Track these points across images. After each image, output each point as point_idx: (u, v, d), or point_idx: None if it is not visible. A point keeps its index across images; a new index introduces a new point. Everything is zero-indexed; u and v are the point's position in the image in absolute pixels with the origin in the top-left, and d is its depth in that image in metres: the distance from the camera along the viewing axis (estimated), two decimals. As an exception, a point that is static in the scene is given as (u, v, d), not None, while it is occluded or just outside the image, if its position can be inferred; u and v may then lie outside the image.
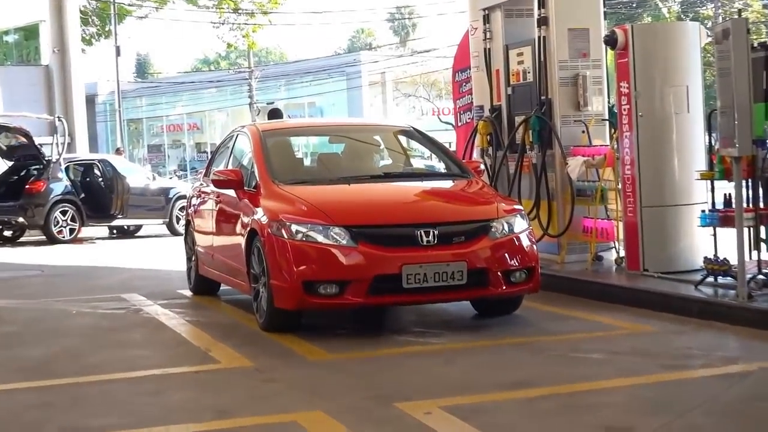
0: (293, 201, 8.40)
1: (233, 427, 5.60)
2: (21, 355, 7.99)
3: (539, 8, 10.91)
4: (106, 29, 42.19)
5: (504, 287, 8.15)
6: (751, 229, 8.53)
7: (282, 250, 8.03)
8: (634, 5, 50.68)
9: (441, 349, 7.71)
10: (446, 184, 9.50)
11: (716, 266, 8.66)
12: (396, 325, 8.96)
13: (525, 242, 8.35)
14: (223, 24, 44.11)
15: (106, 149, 56.58)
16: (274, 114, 16.47)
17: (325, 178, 9.28)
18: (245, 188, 9.13)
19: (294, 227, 8.01)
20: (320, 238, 7.94)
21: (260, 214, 8.48)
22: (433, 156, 10.30)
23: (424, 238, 7.91)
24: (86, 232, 21.22)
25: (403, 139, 10.67)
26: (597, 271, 10.45)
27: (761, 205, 8.55)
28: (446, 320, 8.89)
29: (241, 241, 8.91)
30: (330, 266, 7.90)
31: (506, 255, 8.20)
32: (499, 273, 8.08)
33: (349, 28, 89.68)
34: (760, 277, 8.39)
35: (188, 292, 11.12)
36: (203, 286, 10.78)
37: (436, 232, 7.95)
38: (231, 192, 9.38)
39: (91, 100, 51.61)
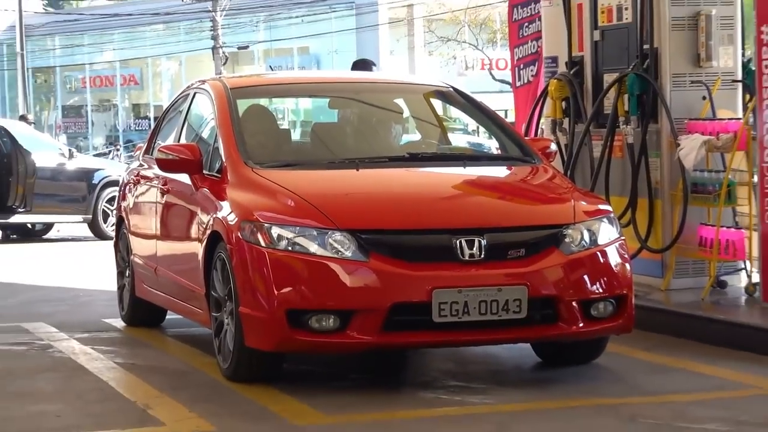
0: (275, 193, 8.43)
1: None
2: None
3: None
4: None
5: (581, 324, 8.15)
6: None
7: (257, 263, 8.04)
8: None
9: (487, 412, 7.59)
10: (500, 172, 9.46)
11: None
12: (422, 376, 8.94)
13: (614, 259, 8.39)
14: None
15: (3, 111, 56.96)
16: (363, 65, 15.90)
17: (322, 159, 9.33)
18: (205, 172, 9.17)
19: (275, 231, 8.04)
20: (314, 248, 7.96)
21: (227, 211, 8.51)
22: (482, 130, 10.21)
23: (467, 251, 7.93)
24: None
25: (438, 104, 10.68)
26: (718, 304, 10.47)
27: None
28: (496, 371, 8.92)
29: (198, 249, 8.97)
30: (328, 289, 7.91)
31: (586, 278, 8.21)
32: (574, 303, 8.09)
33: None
34: None
35: (119, 322, 11.19)
36: (141, 313, 10.86)
37: (483, 242, 7.96)
38: (184, 178, 9.43)
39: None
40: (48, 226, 22.23)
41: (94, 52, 63.57)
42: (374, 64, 15.60)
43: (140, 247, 10.62)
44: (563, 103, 11.96)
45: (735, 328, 9.70)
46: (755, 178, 10.09)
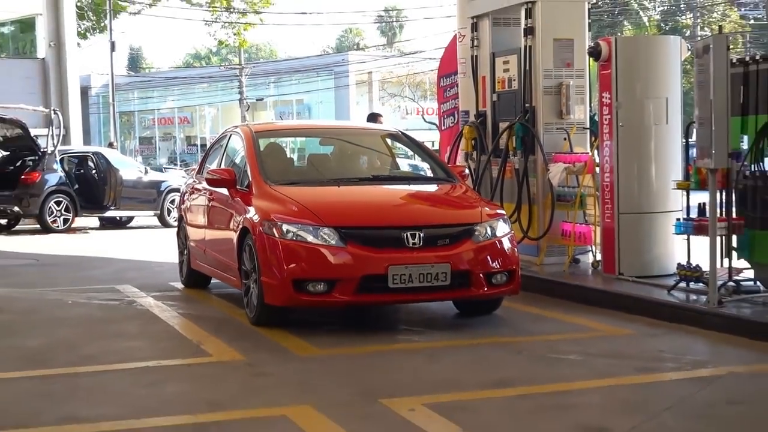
0: (284, 201, 8.38)
1: (226, 420, 5.63)
2: (19, 344, 7.96)
3: (526, 18, 10.95)
4: (101, 24, 42.18)
5: (485, 288, 8.18)
6: (724, 237, 8.56)
7: (273, 248, 8.04)
8: (616, 13, 50.74)
9: (425, 347, 7.71)
10: (432, 187, 9.51)
11: (689, 272, 8.79)
12: (382, 322, 8.98)
13: (506, 245, 8.38)
14: (215, 21, 44.38)
15: (98, 141, 56.43)
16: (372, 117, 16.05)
17: (315, 179, 9.24)
18: (238, 187, 9.11)
19: (285, 227, 8.02)
20: (310, 238, 7.93)
21: (252, 213, 8.47)
22: (419, 159, 10.27)
23: (410, 240, 7.92)
24: (79, 222, 21.19)
25: (391, 141, 10.66)
26: (574, 274, 10.52)
27: (734, 215, 8.60)
28: (430, 318, 8.89)
29: (233, 237, 8.89)
30: (319, 265, 7.89)
31: (488, 258, 8.21)
32: (481, 275, 8.10)
33: (338, 28, 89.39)
34: (731, 284, 8.53)
35: (180, 285, 11.10)
36: (195, 279, 10.77)
37: (421, 235, 7.96)
38: (224, 190, 9.35)
39: (84, 93, 51.34)
40: (130, 219, 22.04)
41: (160, 101, 63.00)
42: (380, 115, 15.75)
43: (194, 235, 10.53)
44: (473, 142, 11.87)
45: (585, 290, 9.77)
46: (598, 192, 10.16)
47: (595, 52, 10.06)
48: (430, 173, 9.96)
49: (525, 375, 6.72)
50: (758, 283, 8.68)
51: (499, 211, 8.78)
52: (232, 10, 44.38)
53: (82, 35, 40.43)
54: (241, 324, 8.61)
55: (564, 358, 7.21)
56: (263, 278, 8.13)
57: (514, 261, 8.44)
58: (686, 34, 44.62)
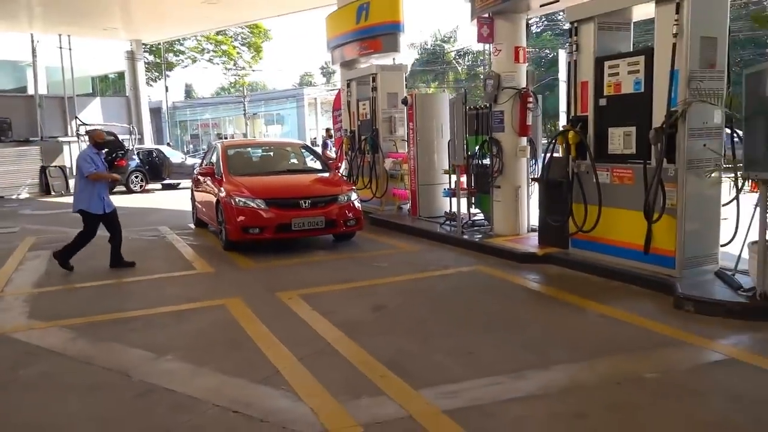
0: (238, 185, 8.24)
1: (192, 308, 5.62)
2: (96, 265, 7.79)
3: (372, 81, 10.84)
4: (166, 73, 40.66)
5: (344, 228, 8.19)
6: (468, 197, 8.70)
7: (231, 210, 7.95)
8: (439, 68, 50.11)
9: (309, 261, 7.57)
10: (318, 175, 9.06)
11: (450, 216, 8.91)
12: (292, 249, 8.43)
13: (355, 205, 8.34)
14: (228, 71, 43.27)
15: (166, 139, 54.81)
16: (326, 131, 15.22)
17: (257, 171, 8.98)
18: (216, 176, 8.97)
19: (237, 198, 7.95)
20: (250, 204, 7.86)
21: (222, 191, 8.35)
22: (315, 159, 10.10)
23: (304, 205, 7.93)
24: (149, 186, 20.62)
25: (300, 150, 10.37)
26: (399, 215, 10.40)
27: (473, 186, 8.71)
28: (317, 245, 8.63)
29: (213, 203, 8.74)
30: (255, 219, 7.81)
31: (345, 212, 8.17)
32: (341, 221, 8.10)
33: (300, 72, 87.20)
34: (469, 222, 8.67)
35: (192, 226, 10.83)
36: (199, 223, 10.55)
37: (309, 201, 7.97)
38: (209, 178, 9.23)
39: (157, 111, 49.51)
40: (178, 184, 21.58)
41: (202, 115, 60.73)
42: (330, 129, 15.39)
43: (197, 200, 10.29)
44: (349, 145, 11.75)
45: (401, 225, 9.63)
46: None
47: (405, 102, 10.07)
48: (318, 167, 9.60)
49: (357, 276, 6.63)
50: (485, 221, 8.72)
51: (351, 188, 8.62)
52: (236, 65, 43.57)
53: (153, 80, 39.02)
54: (217, 250, 8.45)
55: (379, 266, 7.17)
56: (227, 225, 8.08)
57: (359, 213, 8.36)
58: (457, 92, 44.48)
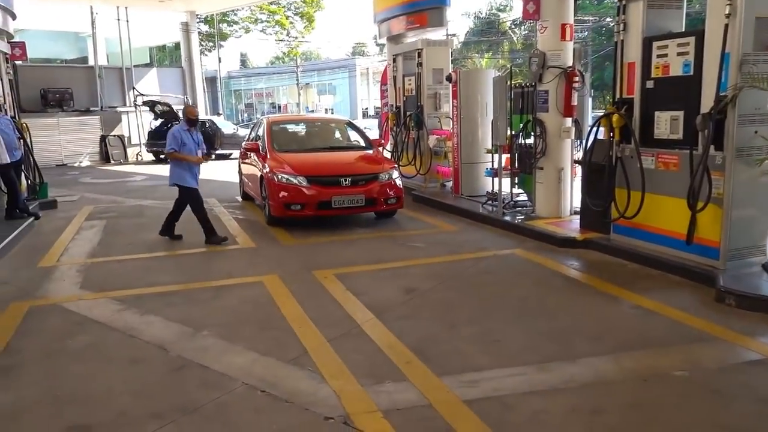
0: (281, 161, 8.27)
1: (232, 284, 5.73)
2: (144, 237, 7.96)
3: (417, 57, 10.67)
4: (221, 43, 41.17)
5: (384, 206, 8.18)
6: (511, 177, 8.46)
7: (274, 186, 8.00)
8: (493, 38, 48.85)
9: (347, 239, 7.53)
10: (360, 153, 8.91)
11: (492, 196, 8.73)
12: (333, 225, 8.40)
13: (397, 183, 8.29)
14: (280, 41, 43.52)
15: (221, 108, 55.74)
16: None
17: (300, 148, 9.00)
18: (260, 152, 9.03)
19: (279, 175, 8.00)
20: (293, 181, 7.90)
21: (265, 167, 8.39)
22: (359, 136, 9.99)
23: (344, 182, 7.92)
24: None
25: (344, 126, 10.25)
26: (441, 193, 10.24)
27: (515, 166, 8.50)
28: (358, 223, 8.56)
29: (258, 178, 8.83)
30: (296, 195, 7.84)
31: (386, 190, 8.13)
32: (381, 199, 8.07)
33: (352, 41, 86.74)
34: (511, 203, 8.48)
35: (240, 199, 10.89)
36: (246, 196, 10.62)
37: (349, 179, 7.95)
38: (254, 153, 9.29)
39: (213, 81, 50.32)
40: (230, 154, 21.97)
41: (256, 84, 61.38)
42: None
43: (244, 172, 10.34)
44: (394, 121, 11.68)
45: (442, 204, 9.48)
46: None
47: (449, 78, 9.87)
48: (362, 143, 9.49)
49: (392, 256, 6.60)
50: (528, 201, 8.47)
51: (393, 165, 8.56)
52: (289, 36, 43.71)
53: (208, 50, 39.59)
54: (261, 224, 8.54)
55: (415, 245, 7.13)
56: (269, 201, 8.16)
57: (400, 192, 8.30)
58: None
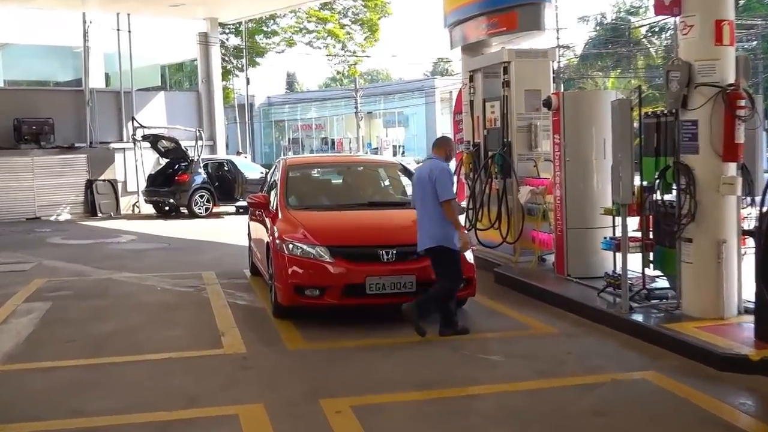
0: (295, 224, 7.82)
1: (190, 418, 5.08)
2: (94, 331, 7.58)
3: (503, 74, 10.17)
4: (256, 60, 42.31)
5: None
6: (643, 253, 7.62)
7: (281, 261, 7.54)
8: (623, 50, 48.14)
9: (384, 344, 6.83)
10: (411, 212, 8.12)
11: (613, 280, 7.88)
12: (366, 320, 7.62)
13: (467, 258, 7.58)
14: (334, 57, 44.37)
15: (259, 144, 57.25)
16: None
17: (324, 204, 8.65)
18: (269, 209, 8.62)
19: (290, 245, 7.49)
20: (308, 254, 7.38)
21: (273, 232, 7.97)
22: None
23: (385, 257, 7.32)
24: (218, 209, 20.94)
25: (392, 171, 9.84)
26: (537, 271, 9.58)
27: (649, 236, 7.64)
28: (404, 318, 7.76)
29: (265, 245, 8.45)
30: (314, 275, 7.33)
31: None
32: None
33: (430, 58, 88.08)
34: (644, 291, 7.64)
35: (248, 273, 10.50)
36: (255, 269, 10.20)
37: (395, 252, 7.34)
38: (262, 210, 8.90)
39: (249, 107, 51.91)
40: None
41: (305, 113, 63.01)
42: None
43: (253, 236, 9.93)
44: (470, 165, 11.17)
45: (538, 289, 8.76)
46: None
47: (547, 103, 9.22)
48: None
49: (448, 377, 5.93)
50: (670, 290, 7.62)
51: (464, 231, 7.66)
52: (345, 48, 44.40)
53: (240, 69, 40.63)
54: (264, 315, 8.05)
55: (488, 359, 6.44)
56: (276, 282, 7.70)
57: (472, 271, 7.63)
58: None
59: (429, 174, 7.02)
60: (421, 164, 8.01)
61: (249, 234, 10.54)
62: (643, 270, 7.75)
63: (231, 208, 21.73)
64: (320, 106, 61.91)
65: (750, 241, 6.90)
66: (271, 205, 8.63)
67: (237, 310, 8.38)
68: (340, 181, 9.58)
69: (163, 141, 20.66)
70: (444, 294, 7.04)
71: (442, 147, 7.40)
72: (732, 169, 6.87)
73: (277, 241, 7.69)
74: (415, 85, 57.45)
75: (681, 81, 6.79)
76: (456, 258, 7.06)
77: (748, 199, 7.19)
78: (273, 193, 8.91)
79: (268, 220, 8.50)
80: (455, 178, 11.44)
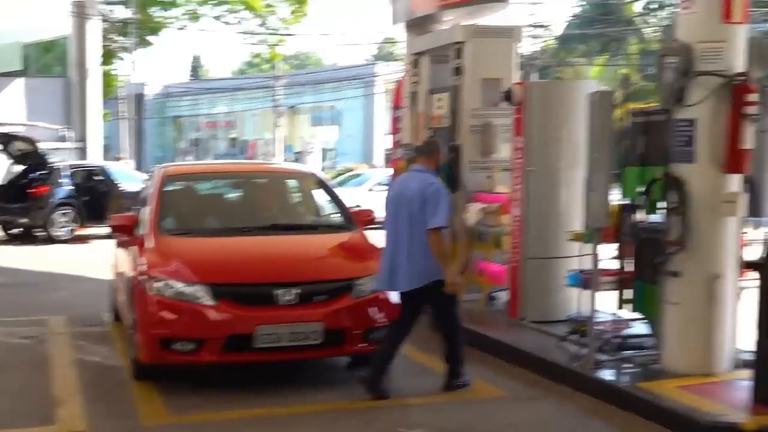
0: (169, 256, 7.68)
1: None
2: None
3: (456, 57, 10.24)
4: (148, 39, 41.92)
5: (361, 345, 7.42)
6: (620, 289, 7.81)
7: (145, 304, 7.36)
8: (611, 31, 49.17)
9: (278, 414, 6.80)
10: (325, 238, 8.50)
11: (579, 326, 8.05)
12: (259, 381, 7.69)
13: (390, 300, 7.51)
14: (250, 35, 44.15)
15: (150, 146, 56.82)
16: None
17: (211, 228, 8.49)
18: (136, 234, 8.37)
19: (158, 283, 7.31)
20: (181, 295, 7.21)
21: (139, 265, 7.78)
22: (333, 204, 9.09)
23: (282, 298, 7.18)
24: (86, 231, 20.51)
25: (304, 184, 9.71)
26: (485, 313, 9.68)
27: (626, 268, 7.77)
28: (310, 376, 7.90)
29: (129, 286, 8.19)
30: (187, 324, 7.16)
31: (368, 313, 7.45)
32: (357, 332, 7.36)
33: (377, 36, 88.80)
34: (614, 340, 7.74)
35: (107, 319, 10.24)
36: (118, 314, 9.82)
37: (296, 291, 7.22)
38: (126, 236, 8.69)
39: (139, 100, 51.49)
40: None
41: (211, 107, 62.93)
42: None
43: (118, 270, 9.64)
44: None
45: (483, 337, 8.79)
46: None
47: (508, 96, 9.28)
48: (335, 219, 8.86)
49: None
50: (648, 336, 7.84)
51: None
52: (264, 25, 44.17)
53: (127, 51, 40.18)
54: (121, 375, 7.86)
55: None
56: (137, 333, 7.47)
57: (395, 314, 7.46)
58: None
59: (421, 191, 7.04)
60: (400, 177, 7.95)
61: (115, 266, 10.23)
62: (619, 309, 7.93)
63: (104, 230, 21.26)
64: (231, 99, 61.73)
65: (750, 273, 6.99)
66: (140, 228, 8.40)
67: (85, 370, 8.17)
68: (236, 196, 9.51)
69: (18, 142, 20.31)
70: (460, 338, 7.36)
71: (432, 155, 7.45)
72: (734, 183, 7.06)
73: (141, 277, 7.49)
74: (352, 72, 57.50)
75: (679, 68, 6.91)
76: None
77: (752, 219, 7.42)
78: (145, 212, 8.67)
79: (134, 249, 8.28)
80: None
